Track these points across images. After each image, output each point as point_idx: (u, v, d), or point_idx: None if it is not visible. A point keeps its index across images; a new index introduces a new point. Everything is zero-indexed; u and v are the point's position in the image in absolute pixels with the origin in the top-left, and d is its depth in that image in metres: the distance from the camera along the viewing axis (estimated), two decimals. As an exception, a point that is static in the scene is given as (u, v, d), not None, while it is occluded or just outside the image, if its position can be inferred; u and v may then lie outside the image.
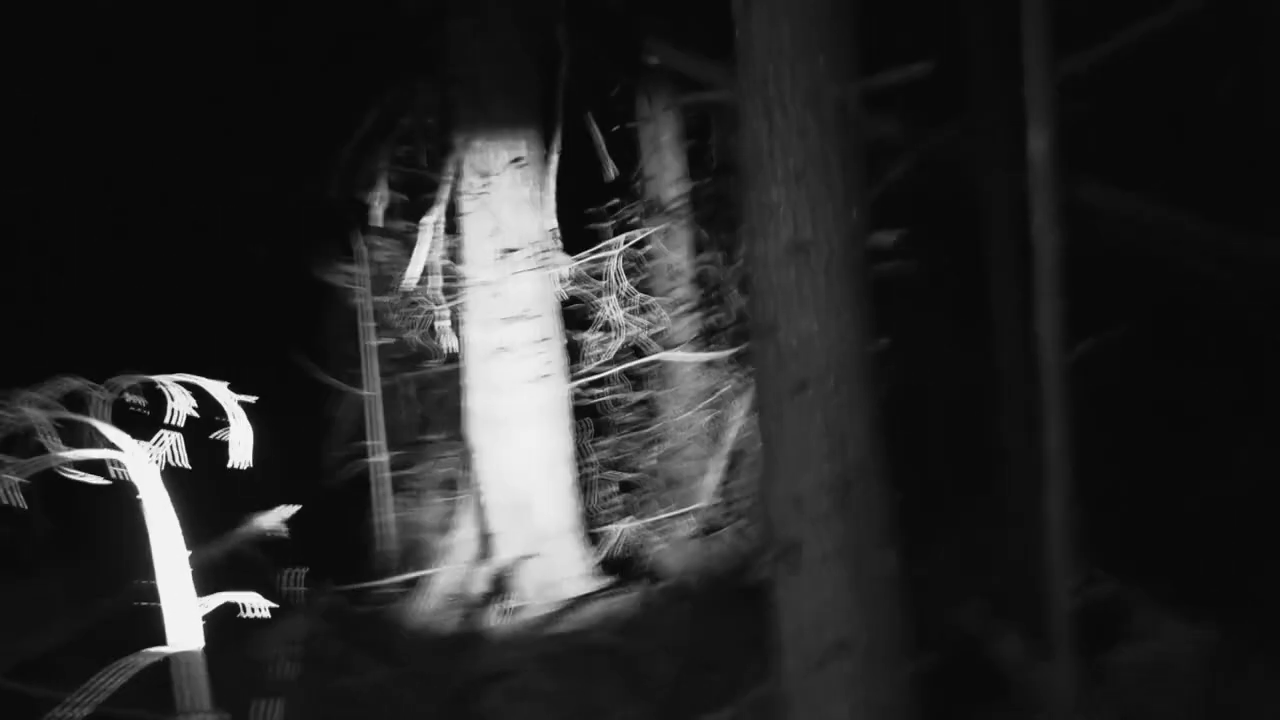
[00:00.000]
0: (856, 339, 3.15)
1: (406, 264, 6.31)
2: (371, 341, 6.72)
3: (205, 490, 2.93)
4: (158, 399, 2.55)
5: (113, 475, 2.42)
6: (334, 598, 5.14)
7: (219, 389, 2.59)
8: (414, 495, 6.72)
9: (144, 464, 2.43)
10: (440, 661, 4.60)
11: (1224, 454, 4.49)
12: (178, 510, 2.71)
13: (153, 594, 2.53)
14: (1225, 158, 5.06)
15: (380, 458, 6.67)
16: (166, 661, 2.49)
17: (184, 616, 2.44)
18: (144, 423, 2.50)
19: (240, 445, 2.52)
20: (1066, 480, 2.93)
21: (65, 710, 2.35)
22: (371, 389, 6.78)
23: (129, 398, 2.51)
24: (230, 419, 2.55)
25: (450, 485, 6.81)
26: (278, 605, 4.55)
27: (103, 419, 2.45)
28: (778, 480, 3.22)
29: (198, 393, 2.60)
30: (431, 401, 7.51)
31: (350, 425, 7.36)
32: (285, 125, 6.22)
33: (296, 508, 4.24)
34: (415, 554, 6.28)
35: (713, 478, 6.29)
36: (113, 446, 2.43)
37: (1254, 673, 3.18)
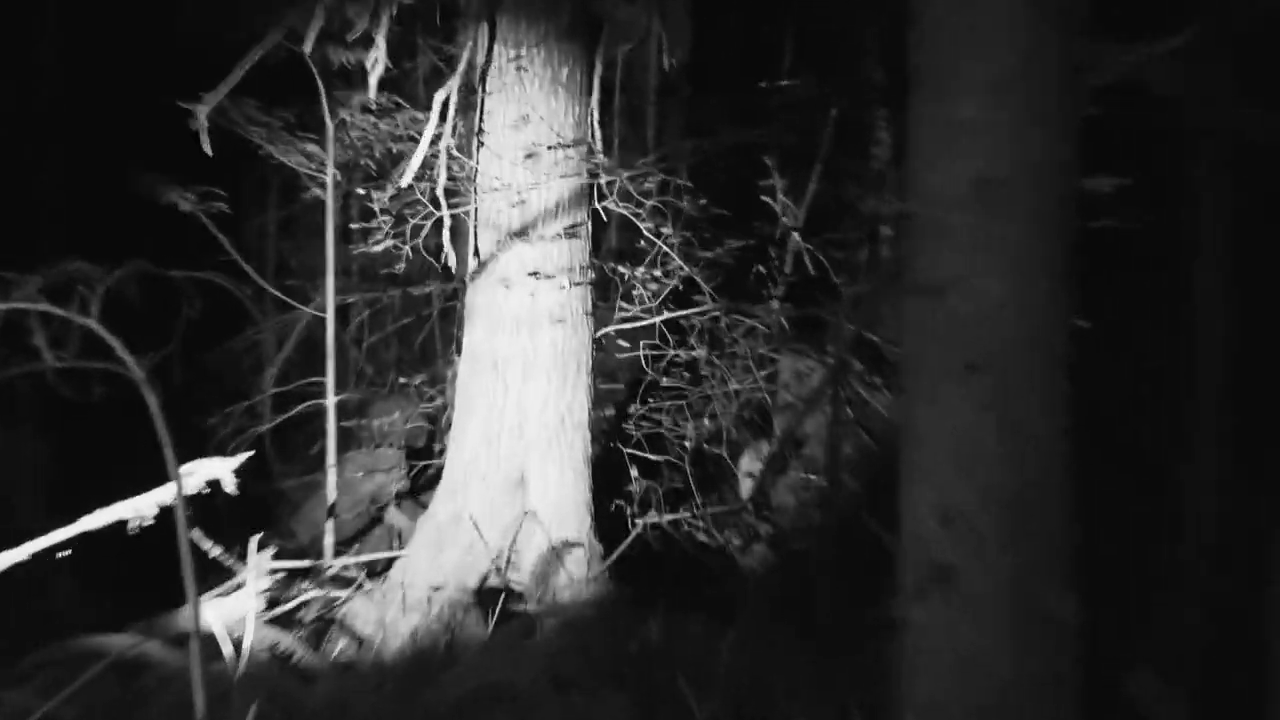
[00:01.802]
0: (1055, 313, 3.02)
1: (396, 150, 6.07)
2: (332, 248, 6.47)
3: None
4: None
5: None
6: (277, 577, 4.98)
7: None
8: (369, 451, 6.55)
9: (144, 379, 2.23)
10: (419, 673, 4.47)
11: None
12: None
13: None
14: None
15: (331, 399, 6.47)
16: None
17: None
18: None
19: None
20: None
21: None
22: (325, 309, 6.55)
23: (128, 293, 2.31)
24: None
25: (418, 444, 6.66)
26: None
27: (95, 319, 2.24)
28: (924, 486, 3.10)
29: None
30: (394, 335, 7.35)
31: (287, 352, 7.18)
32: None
33: (247, 454, 4.03)
34: (373, 528, 6.13)
35: (757, 466, 6.19)
36: (109, 354, 2.23)
37: None
